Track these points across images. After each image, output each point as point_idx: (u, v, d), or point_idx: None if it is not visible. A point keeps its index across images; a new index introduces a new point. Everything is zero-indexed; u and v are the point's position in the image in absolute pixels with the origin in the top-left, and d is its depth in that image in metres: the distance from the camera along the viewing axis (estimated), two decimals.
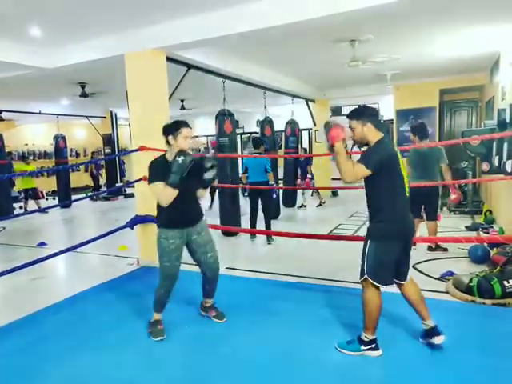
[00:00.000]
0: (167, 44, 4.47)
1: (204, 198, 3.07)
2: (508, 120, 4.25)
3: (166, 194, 2.67)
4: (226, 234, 6.20)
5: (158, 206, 2.82)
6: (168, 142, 2.82)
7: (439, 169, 4.63)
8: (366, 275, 2.46)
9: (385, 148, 2.46)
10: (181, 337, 2.97)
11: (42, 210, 8.55)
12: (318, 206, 8.89)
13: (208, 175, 2.82)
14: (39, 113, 10.42)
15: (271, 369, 2.49)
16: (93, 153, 14.25)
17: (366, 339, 2.54)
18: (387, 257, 2.43)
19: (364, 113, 2.54)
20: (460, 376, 2.32)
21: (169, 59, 4.83)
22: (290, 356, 2.62)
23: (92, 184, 13.78)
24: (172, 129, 2.81)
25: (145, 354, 2.75)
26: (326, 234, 5.78)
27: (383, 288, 2.49)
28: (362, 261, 2.50)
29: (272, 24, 3.92)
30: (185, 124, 2.83)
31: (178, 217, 2.85)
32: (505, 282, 3.31)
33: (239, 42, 5.10)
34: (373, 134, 2.49)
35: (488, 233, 5.69)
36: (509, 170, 4.19)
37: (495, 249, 4.33)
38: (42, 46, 4.99)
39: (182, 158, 2.63)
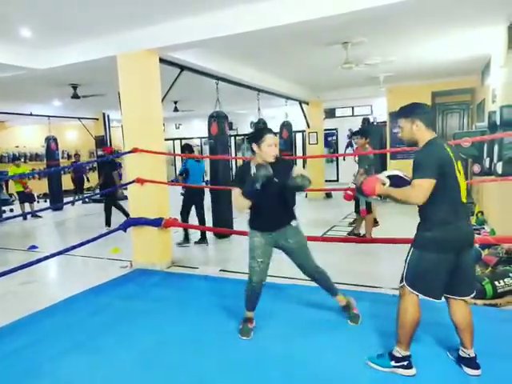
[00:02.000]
0: (160, 45, 4.45)
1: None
2: (498, 122, 4.29)
3: (239, 201, 2.72)
4: (219, 236, 6.19)
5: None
6: (252, 150, 2.79)
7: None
8: (404, 282, 2.27)
9: (437, 150, 2.19)
10: (179, 339, 2.95)
11: (34, 215, 8.44)
12: None
13: (294, 182, 2.64)
14: (30, 114, 10.31)
15: (274, 371, 2.48)
16: (75, 155, 13.25)
17: (397, 355, 2.33)
18: (431, 268, 2.19)
19: (413, 110, 2.31)
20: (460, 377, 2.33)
21: (162, 60, 4.81)
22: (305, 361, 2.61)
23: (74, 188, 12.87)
24: (256, 136, 2.77)
25: (139, 356, 2.73)
26: (320, 236, 5.78)
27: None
28: (404, 267, 2.31)
29: (265, 26, 3.92)
30: (269, 131, 2.78)
31: (261, 221, 2.86)
32: (496, 283, 3.34)
33: (232, 44, 5.10)
34: (422, 133, 2.25)
35: (479, 234, 5.73)
36: (499, 171, 4.22)
37: (486, 250, 4.37)
38: (33, 46, 4.95)
39: (255, 172, 2.63)
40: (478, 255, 4.32)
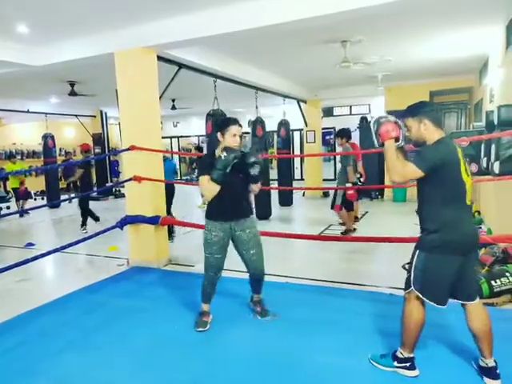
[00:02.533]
0: (158, 42, 4.43)
1: (254, 193, 3.02)
2: (496, 122, 4.29)
3: (209, 188, 2.78)
4: None
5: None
6: (217, 138, 2.87)
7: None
8: (412, 288, 2.19)
9: (443, 149, 2.12)
10: (175, 338, 2.94)
11: (24, 212, 8.35)
12: None
13: (253, 171, 2.79)
14: (27, 111, 10.27)
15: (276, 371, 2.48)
16: (67, 153, 13.07)
17: (400, 356, 2.31)
18: (439, 271, 2.13)
19: (421, 108, 2.22)
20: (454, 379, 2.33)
21: (160, 58, 4.79)
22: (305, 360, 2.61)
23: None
24: (221, 126, 2.86)
25: (134, 354, 2.72)
26: (317, 234, 5.79)
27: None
28: (409, 272, 2.24)
29: (263, 24, 3.91)
30: (234, 121, 2.86)
31: (222, 210, 2.89)
32: (492, 282, 3.35)
33: (231, 42, 5.09)
34: (431, 133, 2.17)
35: None
36: (496, 171, 4.23)
37: (483, 249, 4.38)
38: (30, 43, 4.92)
39: (224, 154, 2.68)
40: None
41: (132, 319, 3.26)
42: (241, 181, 2.89)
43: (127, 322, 3.20)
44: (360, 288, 3.77)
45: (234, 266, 3.37)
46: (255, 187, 2.97)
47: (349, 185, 5.69)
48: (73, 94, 7.95)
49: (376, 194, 9.59)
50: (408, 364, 2.28)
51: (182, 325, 3.12)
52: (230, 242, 2.99)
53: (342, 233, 5.84)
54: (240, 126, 2.89)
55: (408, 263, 2.29)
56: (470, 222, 2.26)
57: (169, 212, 6.15)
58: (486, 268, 3.77)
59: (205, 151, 8.07)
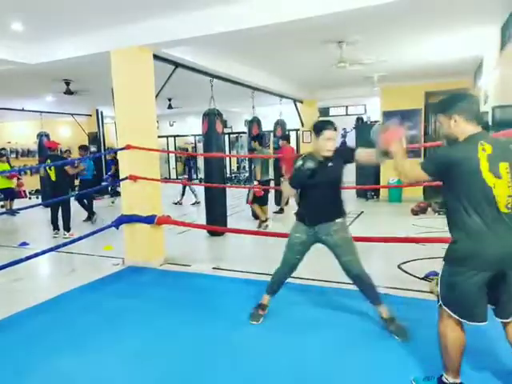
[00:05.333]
0: (154, 41, 4.42)
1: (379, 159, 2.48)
2: (490, 123, 4.34)
3: (287, 189, 2.88)
4: (213, 234, 6.18)
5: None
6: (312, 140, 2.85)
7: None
8: (440, 301, 2.02)
9: (455, 149, 1.94)
10: (170, 338, 2.94)
11: (12, 212, 8.21)
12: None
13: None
14: (22, 110, 10.21)
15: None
16: (66, 151, 12.84)
17: (446, 381, 2.06)
18: (464, 286, 1.90)
19: (451, 103, 2.00)
20: None
21: (156, 57, 4.78)
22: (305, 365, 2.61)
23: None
24: (316, 129, 2.77)
25: (129, 354, 2.71)
26: None
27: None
28: (438, 284, 2.07)
29: (260, 24, 3.91)
30: (329, 125, 2.74)
31: (306, 213, 2.88)
32: None
33: (227, 41, 5.09)
34: (462, 128, 1.94)
35: None
36: None
37: None
38: (25, 41, 4.89)
39: (300, 163, 2.68)
40: None
41: (127, 319, 3.25)
42: (329, 183, 2.78)
43: (122, 322, 3.19)
44: (355, 288, 3.78)
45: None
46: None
47: (256, 182, 6.50)
48: (68, 92, 7.91)
49: (371, 194, 9.62)
50: None
51: (178, 325, 3.12)
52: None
53: (257, 227, 6.55)
54: (335, 129, 2.74)
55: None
56: (504, 234, 1.87)
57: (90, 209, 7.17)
58: None
59: (200, 150, 8.16)
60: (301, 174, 2.69)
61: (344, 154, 2.83)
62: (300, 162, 2.68)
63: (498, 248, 1.86)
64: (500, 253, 1.86)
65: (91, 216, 7.57)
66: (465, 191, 1.88)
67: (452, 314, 1.96)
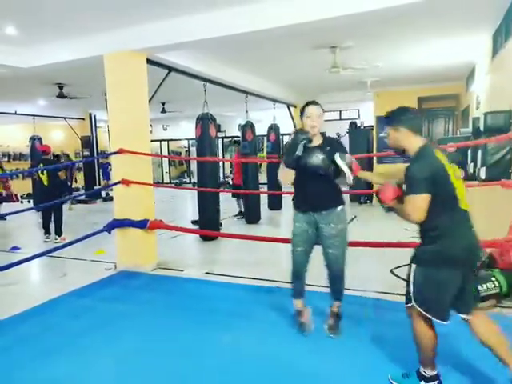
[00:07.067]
0: (147, 46, 4.42)
1: (346, 184, 2.56)
2: (482, 128, 4.37)
3: (282, 172, 2.69)
4: (205, 238, 6.15)
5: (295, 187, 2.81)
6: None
7: None
8: (413, 302, 2.09)
9: (428, 161, 2.03)
10: (162, 342, 2.91)
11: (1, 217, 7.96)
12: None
13: (314, 160, 2.54)
14: (15, 113, 10.14)
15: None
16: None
17: (426, 375, 2.16)
18: (441, 286, 2.01)
19: (398, 116, 2.18)
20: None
21: (149, 61, 4.77)
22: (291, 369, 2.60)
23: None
24: (301, 110, 2.74)
25: (120, 359, 2.69)
26: None
27: None
28: (408, 285, 2.14)
29: (254, 29, 3.93)
30: (310, 102, 2.73)
31: (302, 199, 2.78)
32: (479, 287, 3.38)
33: (221, 46, 5.10)
34: (410, 141, 2.12)
35: None
36: (483, 176, 4.30)
37: None
38: (18, 45, 4.87)
39: (292, 136, 2.58)
40: None
41: (119, 324, 3.21)
42: (320, 166, 2.61)
43: (114, 327, 3.16)
44: (347, 292, 3.78)
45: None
46: (341, 181, 2.61)
47: None
48: (61, 96, 7.87)
49: (365, 199, 9.65)
50: (436, 382, 2.14)
51: (170, 329, 3.09)
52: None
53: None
54: (317, 104, 2.70)
55: (407, 275, 2.17)
56: (468, 229, 2.06)
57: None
58: None
59: (193, 154, 8.16)
60: (294, 148, 2.53)
61: (336, 149, 2.62)
62: (293, 136, 2.60)
63: (466, 243, 2.03)
64: (467, 250, 2.03)
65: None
66: (441, 195, 2.00)
67: (427, 314, 2.05)
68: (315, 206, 2.72)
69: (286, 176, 2.71)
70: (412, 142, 2.12)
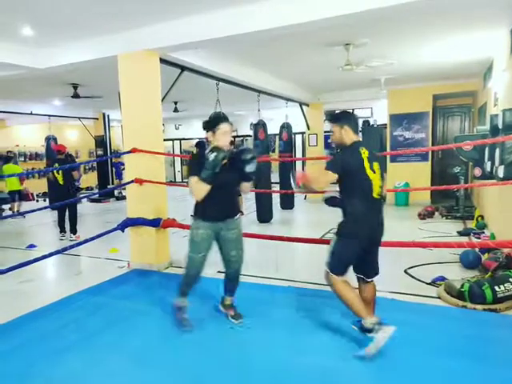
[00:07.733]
0: (161, 45, 4.44)
1: (245, 193, 3.15)
2: (500, 126, 4.26)
3: (198, 188, 2.77)
4: None
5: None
6: (207, 139, 2.88)
7: None
8: (327, 270, 2.64)
9: (351, 152, 2.61)
10: (175, 340, 2.92)
11: (21, 214, 8.22)
12: None
13: (249, 168, 2.78)
14: (31, 113, 10.30)
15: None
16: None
17: (366, 324, 2.56)
18: (345, 252, 2.61)
19: (343, 117, 2.75)
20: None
21: (162, 61, 4.79)
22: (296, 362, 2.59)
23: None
24: (210, 124, 2.83)
25: (134, 356, 2.71)
26: (319, 238, 5.76)
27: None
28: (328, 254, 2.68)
29: (267, 27, 3.91)
30: (224, 119, 2.85)
31: (212, 210, 2.88)
32: (496, 288, 3.31)
33: (233, 45, 5.09)
34: (349, 137, 2.66)
35: (479, 238, 5.71)
36: (501, 175, 4.20)
37: (486, 254, 4.34)
38: (34, 45, 4.93)
39: (214, 154, 2.68)
40: (478, 259, 4.30)
41: (132, 322, 3.24)
42: (232, 181, 2.90)
43: (128, 325, 3.19)
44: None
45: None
46: (247, 186, 2.99)
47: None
48: (76, 96, 7.97)
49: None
50: (380, 326, 2.51)
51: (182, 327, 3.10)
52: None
53: None
54: (229, 121, 2.86)
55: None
56: (375, 214, 2.64)
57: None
58: (490, 273, 3.74)
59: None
60: (215, 166, 2.68)
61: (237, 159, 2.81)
62: (214, 154, 2.68)
63: (370, 224, 2.62)
64: (370, 230, 2.62)
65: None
66: (356, 183, 2.57)
67: (331, 273, 2.61)
68: (226, 215, 2.95)
69: (202, 191, 2.78)
70: (351, 138, 2.67)
